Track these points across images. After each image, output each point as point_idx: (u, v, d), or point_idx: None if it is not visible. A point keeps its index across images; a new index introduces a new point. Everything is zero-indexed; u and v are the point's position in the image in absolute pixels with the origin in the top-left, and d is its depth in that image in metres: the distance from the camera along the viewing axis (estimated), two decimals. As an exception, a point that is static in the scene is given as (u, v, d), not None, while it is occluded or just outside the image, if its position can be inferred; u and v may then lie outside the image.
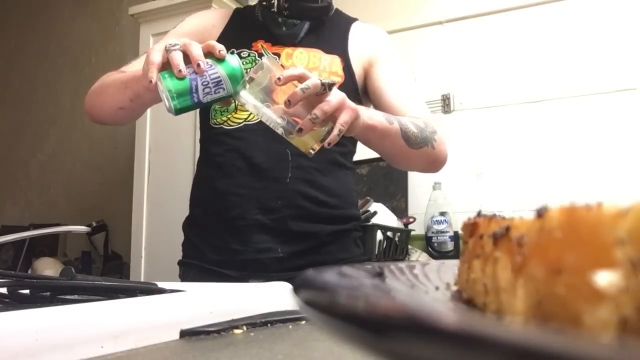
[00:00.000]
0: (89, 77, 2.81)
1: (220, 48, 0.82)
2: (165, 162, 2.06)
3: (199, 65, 0.80)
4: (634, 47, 1.87)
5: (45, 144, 2.90)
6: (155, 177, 2.07)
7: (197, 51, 0.81)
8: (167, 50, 0.82)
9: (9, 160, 2.99)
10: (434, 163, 1.08)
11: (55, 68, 2.95)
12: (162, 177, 2.05)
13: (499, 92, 2.04)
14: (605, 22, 1.92)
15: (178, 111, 0.81)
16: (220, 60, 0.82)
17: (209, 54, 0.83)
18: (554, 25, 2.00)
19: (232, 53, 0.85)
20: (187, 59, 0.81)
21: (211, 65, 0.81)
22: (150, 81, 0.80)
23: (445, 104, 2.12)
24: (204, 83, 0.80)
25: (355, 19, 1.20)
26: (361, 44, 1.14)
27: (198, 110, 1.18)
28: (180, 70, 0.79)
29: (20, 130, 2.99)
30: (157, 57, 0.82)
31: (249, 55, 1.08)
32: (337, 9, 1.19)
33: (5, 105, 3.08)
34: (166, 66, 0.82)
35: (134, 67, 1.04)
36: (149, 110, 2.04)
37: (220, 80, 0.81)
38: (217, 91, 0.81)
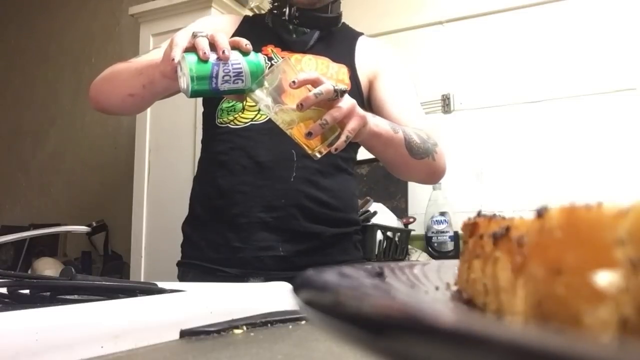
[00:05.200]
0: (89, 77, 2.79)
1: (247, 42, 0.84)
2: (165, 162, 2.06)
3: (224, 52, 0.81)
4: (634, 47, 1.87)
5: (45, 144, 2.90)
6: (155, 177, 2.07)
7: (223, 39, 0.83)
8: (194, 36, 0.83)
9: (9, 160, 2.99)
10: (433, 174, 1.10)
11: (55, 68, 2.95)
12: (162, 177, 2.05)
13: (499, 92, 2.04)
14: (605, 22, 1.92)
15: (193, 94, 0.83)
16: (245, 53, 0.84)
17: (234, 48, 0.84)
18: (554, 25, 2.00)
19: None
20: (212, 48, 0.83)
21: (236, 57, 0.83)
22: (173, 59, 0.82)
23: (445, 104, 2.12)
24: (225, 71, 0.82)
25: (361, 33, 1.23)
26: (367, 56, 1.17)
27: (201, 110, 1.19)
28: (205, 53, 0.80)
29: (20, 130, 2.99)
30: (182, 41, 0.84)
31: None
32: (344, 23, 1.21)
33: (5, 105, 3.07)
34: (190, 51, 0.84)
35: (147, 58, 1.05)
36: (149, 110, 2.04)
37: (241, 72, 0.83)
38: (235, 82, 0.83)
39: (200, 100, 1.95)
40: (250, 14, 2.07)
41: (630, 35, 1.88)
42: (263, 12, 2.18)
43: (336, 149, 0.83)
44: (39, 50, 3.02)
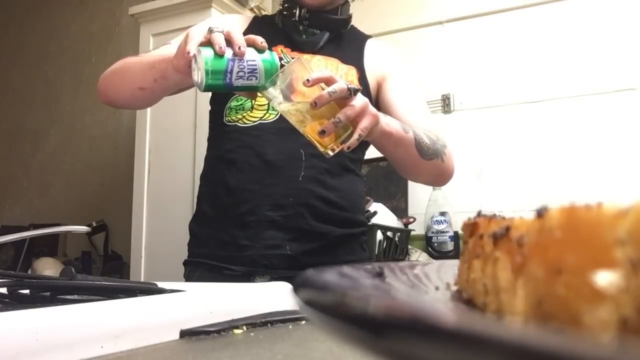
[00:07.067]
0: (89, 77, 2.82)
1: (262, 40, 0.85)
2: (165, 162, 2.06)
3: (239, 48, 0.82)
4: (634, 47, 1.87)
5: (45, 144, 2.90)
6: (155, 177, 2.07)
7: (239, 36, 0.84)
8: (210, 31, 0.83)
9: (9, 160, 2.99)
10: (441, 176, 1.11)
11: (55, 68, 2.95)
12: (162, 177, 2.05)
13: (499, 92, 2.04)
14: (605, 22, 1.92)
15: (207, 87, 0.83)
16: (260, 51, 0.85)
17: (249, 45, 0.85)
18: (554, 25, 1.99)
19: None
20: (227, 44, 0.83)
21: (251, 54, 0.83)
22: (188, 52, 0.82)
23: (445, 104, 2.12)
24: (240, 67, 0.82)
25: (369, 36, 1.24)
26: (376, 59, 1.18)
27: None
28: (221, 48, 0.81)
29: (20, 130, 2.99)
30: (198, 35, 0.84)
31: None
32: (352, 25, 1.22)
33: (6, 105, 3.07)
34: (205, 45, 0.84)
35: (158, 53, 1.05)
36: (149, 110, 2.05)
37: (256, 69, 0.83)
38: (249, 78, 0.83)
39: (200, 100, 1.96)
40: (250, 14, 2.07)
41: (630, 35, 1.88)
42: (263, 12, 2.19)
43: (349, 148, 0.84)
44: (39, 50, 3.01)
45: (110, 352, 0.38)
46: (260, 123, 1.07)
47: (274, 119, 1.06)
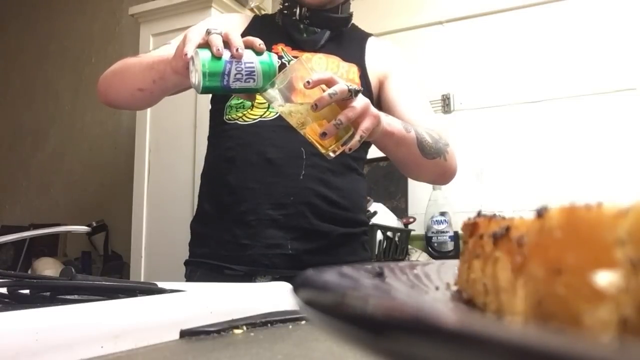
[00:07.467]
0: (89, 77, 2.82)
1: (260, 42, 0.84)
2: (165, 162, 2.06)
3: (237, 49, 0.81)
4: (634, 47, 1.87)
5: (45, 144, 2.90)
6: (155, 177, 2.07)
7: (237, 38, 0.83)
8: (208, 33, 0.83)
9: (9, 160, 2.99)
10: (444, 174, 1.10)
11: (55, 68, 2.95)
12: (162, 177, 2.05)
13: (499, 92, 2.04)
14: (605, 22, 1.92)
15: (204, 90, 0.83)
16: (258, 53, 0.84)
17: (247, 47, 0.84)
18: (554, 25, 1.99)
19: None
20: (225, 45, 0.83)
21: (249, 56, 0.83)
22: (186, 54, 0.82)
23: (445, 104, 2.12)
24: (238, 69, 0.82)
25: (370, 34, 1.24)
26: (377, 57, 1.17)
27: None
28: (218, 50, 0.80)
29: (20, 130, 2.98)
30: (196, 37, 0.84)
31: None
32: (353, 23, 1.22)
33: (5, 105, 3.07)
34: (203, 47, 0.84)
35: (157, 54, 1.05)
36: (149, 110, 2.05)
37: (254, 72, 0.83)
38: (247, 81, 0.83)
39: (200, 100, 1.96)
40: (250, 13, 2.07)
41: (630, 35, 1.88)
42: (263, 11, 2.19)
43: (350, 149, 0.83)
44: (40, 50, 3.01)
45: (110, 352, 0.38)
46: (260, 121, 1.07)
47: (274, 116, 1.05)
